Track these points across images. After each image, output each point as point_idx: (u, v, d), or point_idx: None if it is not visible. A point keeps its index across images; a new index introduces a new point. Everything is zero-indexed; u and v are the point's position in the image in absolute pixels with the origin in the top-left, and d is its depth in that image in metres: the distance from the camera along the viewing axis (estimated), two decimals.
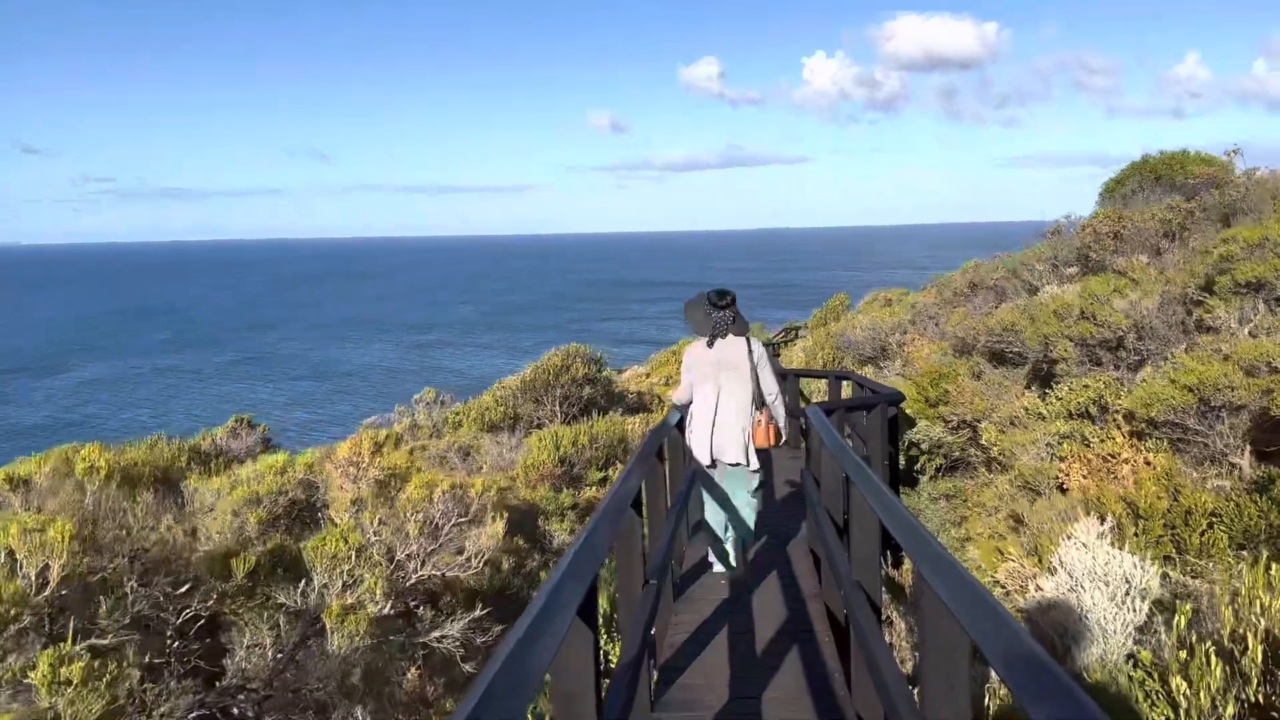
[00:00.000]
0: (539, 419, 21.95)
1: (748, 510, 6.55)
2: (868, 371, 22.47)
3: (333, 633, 5.83)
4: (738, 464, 6.35)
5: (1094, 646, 5.06)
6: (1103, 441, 9.00)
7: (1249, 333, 8.94)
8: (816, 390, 20.22)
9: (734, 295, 6.48)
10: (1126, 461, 8.34)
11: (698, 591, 6.39)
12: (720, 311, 6.34)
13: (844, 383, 15.91)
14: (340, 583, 6.08)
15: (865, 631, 3.74)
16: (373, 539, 6.49)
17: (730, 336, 6.35)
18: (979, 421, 11.10)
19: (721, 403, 6.30)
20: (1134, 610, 5.04)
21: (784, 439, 6.71)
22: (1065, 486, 8.49)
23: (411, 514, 6.72)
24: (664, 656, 5.17)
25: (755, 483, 6.52)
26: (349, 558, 6.12)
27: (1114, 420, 9.09)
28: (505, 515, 11.15)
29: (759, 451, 6.44)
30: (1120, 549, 5.65)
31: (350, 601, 5.97)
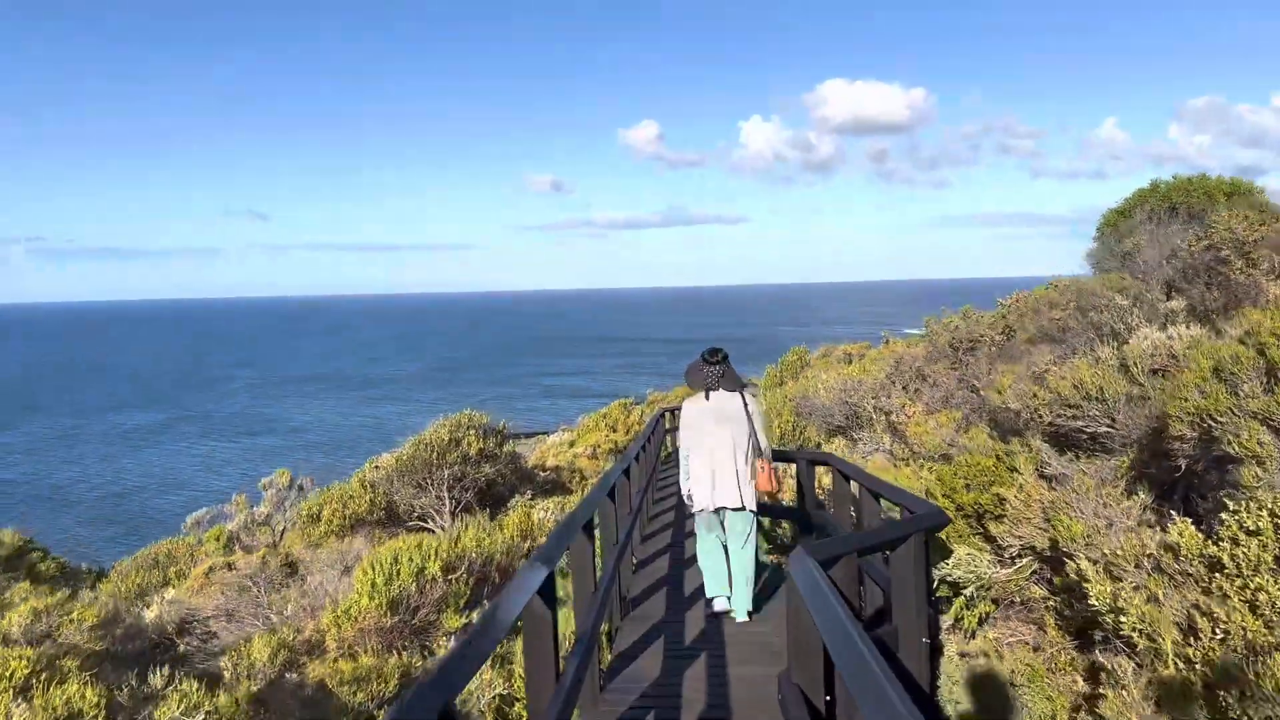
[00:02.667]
0: (422, 510, 17.03)
1: (749, 550, 6.91)
2: (837, 445, 17.75)
3: None
4: (738, 508, 6.84)
5: None
6: None
7: None
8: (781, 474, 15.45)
9: (725, 353, 7.12)
10: None
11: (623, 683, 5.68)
12: (711, 367, 6.97)
13: (819, 468, 11.54)
14: None
15: None
16: None
17: (723, 390, 6.95)
18: (1068, 556, 6.52)
19: (720, 451, 6.77)
20: None
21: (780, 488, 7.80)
22: None
23: None
24: None
25: (753, 525, 6.94)
26: None
27: None
28: None
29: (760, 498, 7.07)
30: None
31: None
